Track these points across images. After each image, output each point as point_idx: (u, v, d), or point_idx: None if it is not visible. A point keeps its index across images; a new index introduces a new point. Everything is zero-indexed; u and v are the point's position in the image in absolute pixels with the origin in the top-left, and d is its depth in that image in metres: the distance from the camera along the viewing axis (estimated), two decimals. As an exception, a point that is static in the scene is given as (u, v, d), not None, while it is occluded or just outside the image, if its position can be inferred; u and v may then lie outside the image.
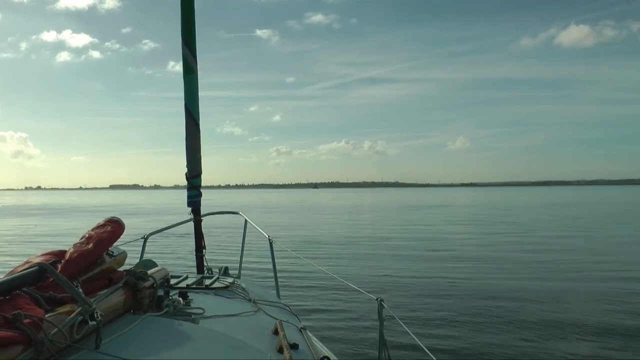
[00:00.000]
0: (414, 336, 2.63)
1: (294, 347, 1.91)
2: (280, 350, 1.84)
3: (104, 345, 1.46)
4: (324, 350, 2.32)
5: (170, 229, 4.66)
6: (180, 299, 2.20)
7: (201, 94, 4.29)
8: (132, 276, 1.93)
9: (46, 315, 1.36)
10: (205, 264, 4.23)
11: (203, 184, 4.36)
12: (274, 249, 4.54)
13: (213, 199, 74.23)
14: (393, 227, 25.02)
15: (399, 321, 2.80)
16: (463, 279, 10.48)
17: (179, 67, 4.85)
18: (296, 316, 2.85)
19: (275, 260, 4.54)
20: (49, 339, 1.28)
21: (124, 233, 2.05)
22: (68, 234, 20.75)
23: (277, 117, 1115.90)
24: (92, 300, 1.53)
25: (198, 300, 2.35)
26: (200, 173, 4.31)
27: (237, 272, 4.09)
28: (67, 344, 1.36)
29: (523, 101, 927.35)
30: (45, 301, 1.47)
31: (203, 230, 4.41)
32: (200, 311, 2.11)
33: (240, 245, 4.76)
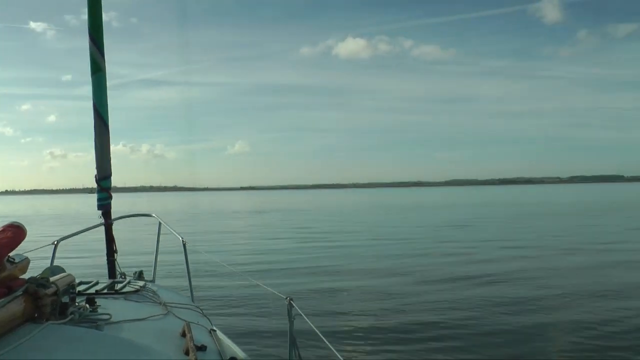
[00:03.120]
0: (321, 335, 2.75)
1: (201, 348, 1.93)
2: (187, 352, 1.85)
3: None
4: (234, 350, 2.37)
5: (83, 233, 4.49)
6: (87, 305, 2.14)
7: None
8: (33, 283, 1.87)
9: None
10: (118, 268, 4.12)
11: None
12: (188, 251, 4.51)
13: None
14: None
15: (307, 321, 2.91)
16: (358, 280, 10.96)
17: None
18: (207, 318, 2.86)
19: (189, 262, 4.51)
20: None
21: (32, 239, 1.98)
22: None
23: (52, 118, 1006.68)
24: None
25: (106, 305, 2.29)
26: (110, 174, 4.21)
27: (151, 275, 4.05)
28: None
29: (302, 107, 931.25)
30: None
31: (115, 234, 4.31)
32: (107, 317, 2.06)
33: (155, 248, 4.67)
